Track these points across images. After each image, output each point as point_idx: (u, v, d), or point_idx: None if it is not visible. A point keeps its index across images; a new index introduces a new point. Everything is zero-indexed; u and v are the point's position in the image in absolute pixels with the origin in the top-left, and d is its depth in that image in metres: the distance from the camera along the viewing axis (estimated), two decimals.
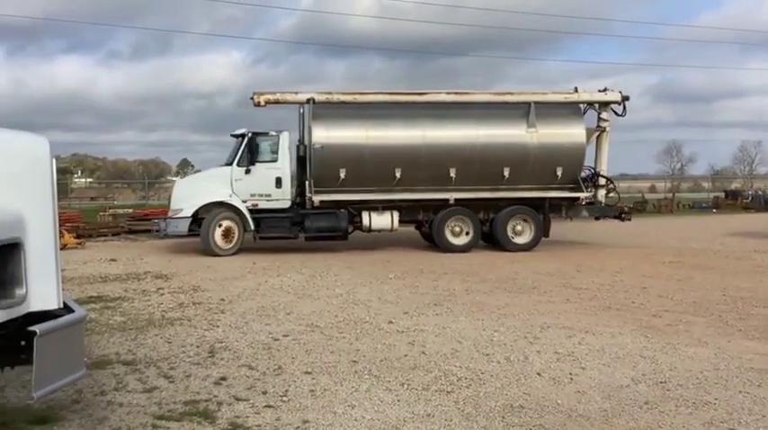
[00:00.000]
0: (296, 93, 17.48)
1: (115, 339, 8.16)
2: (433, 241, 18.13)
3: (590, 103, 19.03)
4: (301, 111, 17.61)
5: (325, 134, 17.08)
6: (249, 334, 8.37)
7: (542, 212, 18.14)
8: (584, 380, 6.50)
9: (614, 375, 6.64)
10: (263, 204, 17.25)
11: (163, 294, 11.39)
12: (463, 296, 11.07)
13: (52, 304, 3.79)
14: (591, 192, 18.94)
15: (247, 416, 5.46)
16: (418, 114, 17.58)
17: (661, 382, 6.38)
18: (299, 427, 5.24)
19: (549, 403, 5.83)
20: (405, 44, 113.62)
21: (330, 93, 17.46)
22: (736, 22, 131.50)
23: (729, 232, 24.80)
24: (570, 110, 18.79)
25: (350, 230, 17.68)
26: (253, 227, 17.03)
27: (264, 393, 6.05)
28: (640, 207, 39.28)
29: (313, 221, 17.24)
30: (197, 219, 16.94)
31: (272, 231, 17.33)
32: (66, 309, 4.00)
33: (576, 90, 18.82)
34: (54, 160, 3.90)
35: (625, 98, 18.82)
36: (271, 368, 6.85)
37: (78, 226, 23.45)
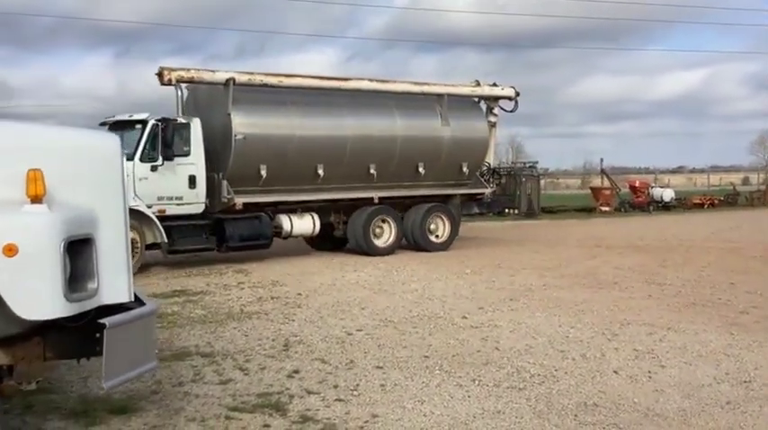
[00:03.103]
0: (213, 71, 14.97)
1: (195, 331, 8.38)
2: (334, 245, 16.98)
3: (484, 98, 18.53)
4: (179, 93, 14.83)
5: (247, 122, 14.62)
6: (324, 328, 8.46)
7: (453, 209, 17.61)
8: (664, 378, 6.30)
9: (695, 374, 6.41)
10: (172, 209, 14.10)
11: (243, 288, 11.64)
12: (540, 291, 10.89)
13: (123, 297, 3.92)
14: (493, 187, 18.67)
15: (318, 410, 5.52)
16: (342, 103, 16.11)
17: (745, 382, 6.13)
18: (367, 421, 5.26)
19: (624, 401, 5.67)
20: (497, 38, 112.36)
21: (252, 73, 15.21)
22: None
23: None
24: (474, 104, 18.43)
25: None
26: (165, 238, 13.88)
27: (335, 387, 6.10)
28: (731, 200, 37.84)
29: (235, 229, 14.74)
30: None
31: (186, 243, 14.36)
32: (139, 302, 4.12)
33: (478, 83, 18.35)
34: (124, 158, 4.04)
35: (517, 94, 18.52)
36: (343, 362, 6.90)
37: None
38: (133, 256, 12.85)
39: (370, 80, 16.65)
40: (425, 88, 17.29)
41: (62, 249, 3.49)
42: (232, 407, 5.58)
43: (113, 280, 3.85)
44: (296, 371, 6.58)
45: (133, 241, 13.35)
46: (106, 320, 3.61)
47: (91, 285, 3.72)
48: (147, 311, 3.96)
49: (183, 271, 13.95)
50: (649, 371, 6.49)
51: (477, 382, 6.22)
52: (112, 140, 3.99)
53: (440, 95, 17.18)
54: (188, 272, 13.81)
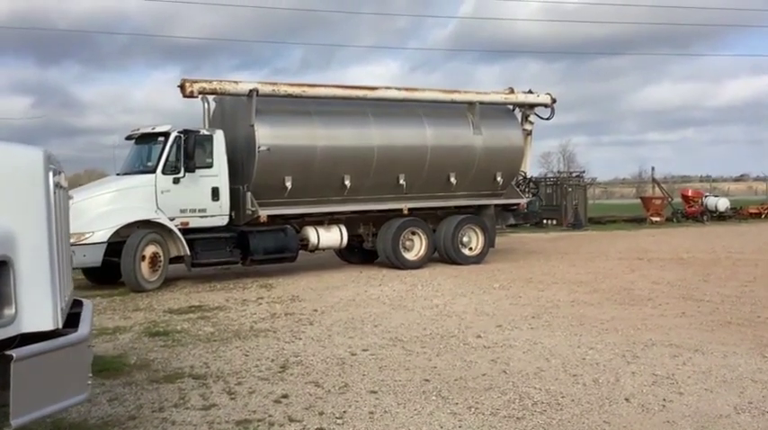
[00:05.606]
0: (236, 82, 14.57)
1: (197, 351, 8.12)
2: (365, 257, 16.76)
3: (519, 105, 17.81)
4: (206, 105, 14.68)
5: (270, 133, 14.27)
6: (328, 347, 8.12)
7: (487, 221, 16.94)
8: (679, 407, 5.77)
9: (715, 402, 5.87)
10: (195, 222, 13.92)
11: (260, 304, 11.38)
12: (566, 308, 10.36)
13: (47, 325, 3.62)
14: (528, 197, 18.07)
15: None
16: (369, 113, 15.64)
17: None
18: None
19: None
20: (561, 46, 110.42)
21: (276, 83, 14.87)
22: None
23: None
24: (507, 111, 17.76)
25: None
26: (188, 251, 13.70)
27: (321, 414, 5.75)
28: None
29: (259, 242, 14.40)
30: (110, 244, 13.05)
31: (209, 256, 14.07)
32: (75, 327, 3.84)
33: (511, 90, 17.61)
34: (51, 173, 3.75)
35: (553, 101, 17.75)
36: (337, 386, 6.55)
37: None
38: (156, 270, 13.40)
39: (398, 89, 16.18)
40: (455, 96, 16.74)
41: None
42: None
43: (36, 306, 3.55)
44: (285, 396, 6.24)
45: (156, 254, 13.39)
46: (14, 352, 3.31)
47: (7, 312, 3.44)
48: (72, 340, 3.65)
49: (208, 285, 13.78)
50: (664, 399, 5.97)
51: (473, 410, 5.79)
52: (34, 155, 3.70)
53: (471, 103, 16.66)
54: (212, 286, 13.63)
